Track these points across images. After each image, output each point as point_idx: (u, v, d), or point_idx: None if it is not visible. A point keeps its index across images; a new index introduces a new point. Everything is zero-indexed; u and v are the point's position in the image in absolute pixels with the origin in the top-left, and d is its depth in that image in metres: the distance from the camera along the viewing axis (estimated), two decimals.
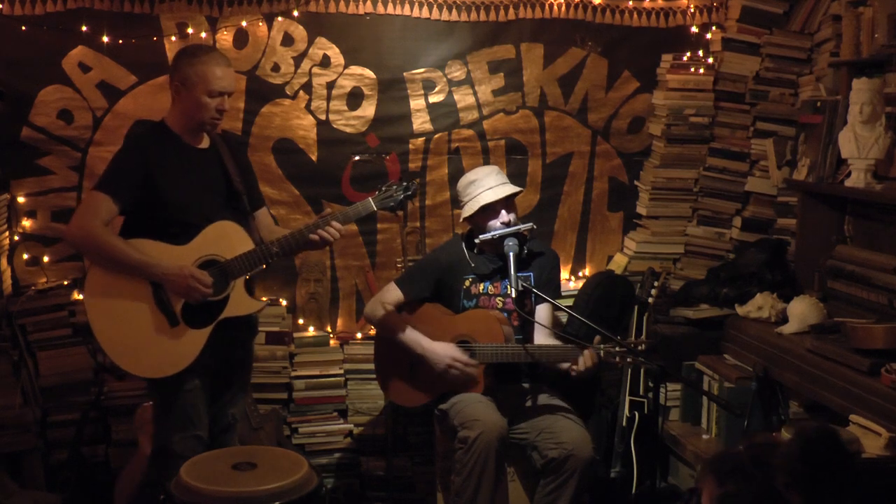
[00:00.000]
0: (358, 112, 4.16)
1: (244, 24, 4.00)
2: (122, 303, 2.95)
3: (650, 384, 3.74)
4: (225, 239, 3.00)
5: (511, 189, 3.51)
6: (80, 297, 3.84)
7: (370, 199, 3.16)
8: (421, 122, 4.21)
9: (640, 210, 4.42)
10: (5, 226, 3.91)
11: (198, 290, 2.91)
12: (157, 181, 2.94)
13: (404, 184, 3.20)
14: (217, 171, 3.08)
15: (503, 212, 3.48)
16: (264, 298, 4.14)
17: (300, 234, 3.06)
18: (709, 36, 4.30)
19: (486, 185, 3.49)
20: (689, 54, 4.27)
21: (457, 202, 3.64)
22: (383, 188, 3.19)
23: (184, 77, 2.96)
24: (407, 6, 4.10)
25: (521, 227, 3.50)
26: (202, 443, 3.05)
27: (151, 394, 3.16)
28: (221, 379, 3.15)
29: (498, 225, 3.48)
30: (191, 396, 3.01)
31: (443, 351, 3.40)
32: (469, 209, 3.51)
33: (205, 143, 3.11)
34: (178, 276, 2.90)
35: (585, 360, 3.21)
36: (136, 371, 3.01)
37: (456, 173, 3.78)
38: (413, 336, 3.47)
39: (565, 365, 3.32)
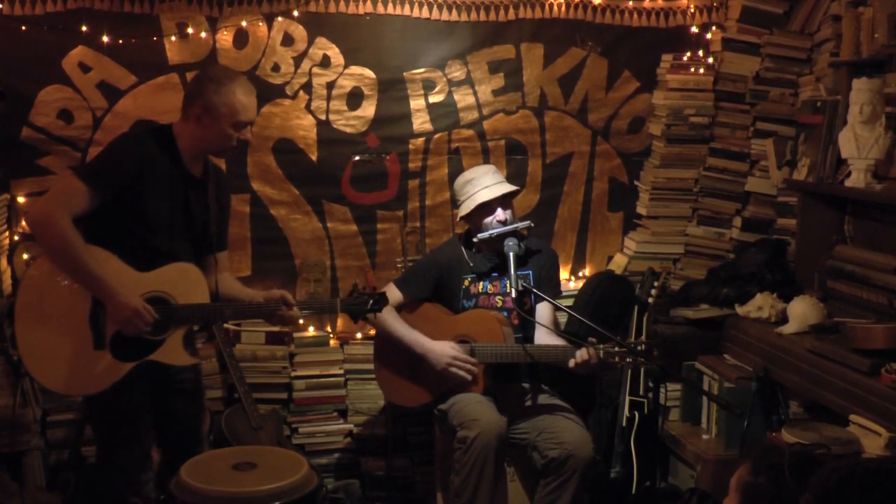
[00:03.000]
0: (358, 112, 4.16)
1: (244, 24, 4.00)
2: (55, 309, 2.75)
3: (650, 384, 3.74)
4: (184, 283, 2.82)
5: (508, 188, 3.51)
6: None
7: (338, 300, 3.04)
8: (421, 122, 4.21)
9: (640, 210, 4.42)
10: (5, 226, 3.91)
11: (137, 325, 2.71)
12: (143, 190, 2.73)
13: (372, 300, 3.01)
14: (199, 205, 2.90)
15: (499, 210, 3.49)
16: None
17: (258, 307, 2.93)
18: (709, 36, 4.30)
19: (483, 183, 3.49)
20: (689, 54, 4.27)
21: (457, 202, 3.64)
22: (355, 295, 3.04)
23: (209, 105, 2.77)
24: (407, 6, 4.10)
25: (519, 224, 3.50)
26: (147, 456, 2.91)
27: (88, 407, 3.01)
28: (171, 399, 3.00)
29: (495, 223, 3.49)
30: (130, 410, 2.84)
31: (441, 350, 3.41)
32: (466, 208, 3.51)
33: (198, 170, 2.91)
34: (122, 305, 2.69)
35: (583, 353, 3.21)
36: (42, 380, 2.82)
37: (456, 173, 3.77)
38: (412, 336, 3.47)
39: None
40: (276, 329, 4.09)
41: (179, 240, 2.86)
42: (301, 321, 2.95)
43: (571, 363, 3.24)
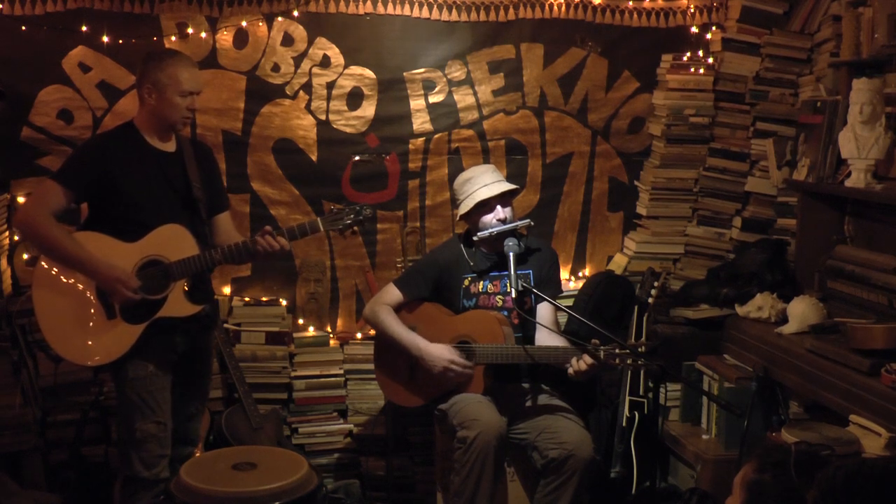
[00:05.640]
0: (358, 112, 4.16)
1: (244, 24, 4.00)
2: (68, 287, 3.05)
3: (650, 384, 3.74)
4: (172, 241, 3.07)
5: (507, 186, 3.51)
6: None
7: (318, 219, 3.21)
8: (421, 122, 4.21)
9: (640, 210, 4.42)
10: (5, 226, 3.91)
11: (121, 293, 2.98)
12: (117, 179, 3.02)
13: (356, 208, 3.25)
14: (178, 176, 3.15)
15: (498, 207, 3.48)
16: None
17: (244, 245, 3.14)
18: (709, 36, 4.31)
19: (482, 182, 3.49)
20: (689, 54, 4.27)
21: (456, 202, 3.64)
22: (334, 210, 3.25)
23: (154, 81, 3.06)
24: (407, 6, 4.10)
25: (519, 223, 3.50)
26: (164, 428, 3.09)
27: (115, 385, 3.19)
28: (184, 372, 3.21)
29: (494, 221, 3.48)
30: (146, 384, 3.05)
31: (438, 353, 3.40)
32: (465, 206, 3.51)
33: (171, 146, 3.18)
34: (105, 276, 2.98)
35: (579, 364, 3.20)
36: (65, 355, 3.08)
37: (456, 173, 3.77)
38: (410, 337, 3.46)
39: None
40: (276, 329, 4.11)
41: (168, 210, 3.10)
42: (288, 248, 3.20)
43: (570, 371, 3.23)
